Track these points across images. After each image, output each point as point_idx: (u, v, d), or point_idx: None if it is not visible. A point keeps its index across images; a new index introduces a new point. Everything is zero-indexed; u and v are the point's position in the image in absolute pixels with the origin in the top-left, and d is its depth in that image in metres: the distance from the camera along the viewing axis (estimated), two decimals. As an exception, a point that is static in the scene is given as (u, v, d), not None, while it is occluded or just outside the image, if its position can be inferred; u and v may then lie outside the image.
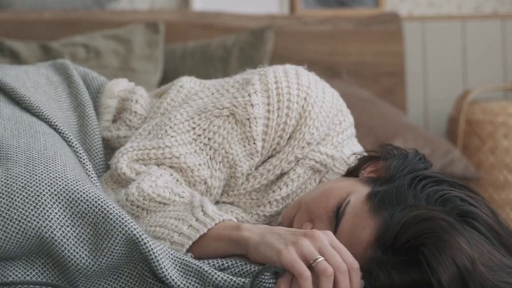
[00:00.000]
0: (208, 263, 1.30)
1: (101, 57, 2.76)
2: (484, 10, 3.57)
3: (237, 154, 1.49)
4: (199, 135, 1.50)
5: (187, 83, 1.61)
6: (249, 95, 1.49)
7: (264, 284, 1.25)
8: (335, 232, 1.38)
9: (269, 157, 1.53)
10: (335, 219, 1.39)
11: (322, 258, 1.25)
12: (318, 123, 1.51)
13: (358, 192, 1.39)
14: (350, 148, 1.57)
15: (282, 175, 1.54)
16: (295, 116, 1.50)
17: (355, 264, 1.28)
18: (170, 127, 1.51)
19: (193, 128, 1.50)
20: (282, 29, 3.22)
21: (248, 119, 1.49)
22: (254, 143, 1.49)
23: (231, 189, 1.53)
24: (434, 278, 1.25)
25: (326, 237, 1.29)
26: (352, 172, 1.52)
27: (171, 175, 1.48)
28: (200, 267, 1.27)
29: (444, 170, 2.76)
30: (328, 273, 1.24)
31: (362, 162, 1.51)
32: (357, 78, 3.24)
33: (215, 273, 1.26)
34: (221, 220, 1.35)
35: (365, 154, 1.53)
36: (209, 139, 1.50)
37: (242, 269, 1.29)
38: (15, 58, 2.66)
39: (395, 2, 3.55)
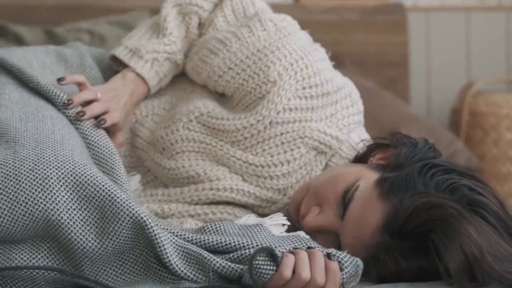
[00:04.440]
0: (204, 242, 1.30)
1: (105, 43, 2.74)
2: (489, 1, 3.56)
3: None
4: None
5: None
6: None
7: (261, 270, 1.25)
8: (343, 216, 1.38)
9: (241, 101, 1.57)
10: (343, 204, 1.39)
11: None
12: (306, 74, 1.54)
13: (367, 177, 1.40)
14: (358, 135, 1.58)
15: (283, 149, 1.54)
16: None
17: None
18: None
19: None
20: (286, 18, 3.20)
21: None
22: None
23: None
24: (441, 265, 1.25)
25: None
26: (360, 159, 1.52)
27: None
28: (200, 254, 1.27)
29: (447, 161, 2.75)
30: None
31: (371, 149, 1.52)
32: (361, 68, 3.23)
33: (214, 259, 1.26)
34: (134, 67, 1.61)
35: (375, 141, 1.53)
36: None
37: (241, 255, 1.29)
38: (20, 43, 2.64)
39: (400, -8, 3.54)
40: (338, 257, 1.28)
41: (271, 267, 1.25)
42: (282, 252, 1.26)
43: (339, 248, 1.38)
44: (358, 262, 1.30)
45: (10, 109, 1.43)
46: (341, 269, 1.27)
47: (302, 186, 1.52)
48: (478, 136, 3.24)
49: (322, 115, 1.54)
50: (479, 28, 3.53)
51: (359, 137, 1.58)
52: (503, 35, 3.54)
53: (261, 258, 1.25)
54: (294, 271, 1.24)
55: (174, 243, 1.28)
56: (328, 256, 1.27)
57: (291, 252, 1.27)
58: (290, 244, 1.32)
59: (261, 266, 1.24)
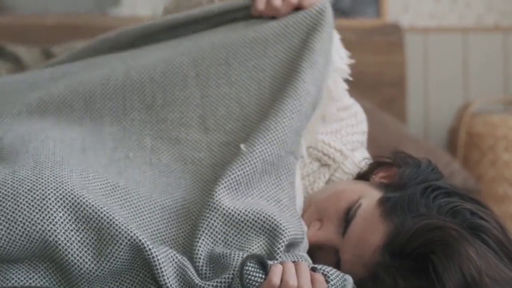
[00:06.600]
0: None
1: (103, 63, 2.75)
2: (486, 23, 3.57)
3: None
4: None
5: None
6: None
7: (251, 277, 1.26)
8: (344, 233, 1.39)
9: None
10: (345, 221, 1.39)
11: None
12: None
13: (370, 196, 1.40)
14: (361, 155, 1.59)
15: None
16: None
17: None
18: None
19: None
20: (284, 38, 3.21)
21: None
22: None
23: None
24: (439, 285, 1.25)
25: None
26: (362, 176, 1.52)
27: None
28: (192, 280, 1.27)
29: (445, 182, 2.75)
30: None
31: (374, 167, 1.52)
32: (358, 88, 3.22)
33: (205, 284, 1.26)
34: None
35: (378, 159, 1.54)
36: None
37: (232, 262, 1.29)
38: (17, 63, 2.65)
39: (397, 13, 3.55)
40: (323, 270, 1.29)
41: (260, 275, 1.26)
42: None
43: (338, 264, 1.38)
44: (346, 276, 1.30)
45: (14, 131, 1.44)
46: (327, 281, 1.28)
47: (304, 200, 1.52)
48: (475, 157, 3.24)
49: (328, 129, 1.55)
50: (476, 49, 3.54)
51: (362, 157, 1.58)
52: (500, 55, 3.56)
53: (251, 265, 1.26)
54: (281, 280, 1.25)
55: (175, 262, 1.28)
56: (313, 269, 1.28)
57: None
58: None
59: (251, 273, 1.25)
